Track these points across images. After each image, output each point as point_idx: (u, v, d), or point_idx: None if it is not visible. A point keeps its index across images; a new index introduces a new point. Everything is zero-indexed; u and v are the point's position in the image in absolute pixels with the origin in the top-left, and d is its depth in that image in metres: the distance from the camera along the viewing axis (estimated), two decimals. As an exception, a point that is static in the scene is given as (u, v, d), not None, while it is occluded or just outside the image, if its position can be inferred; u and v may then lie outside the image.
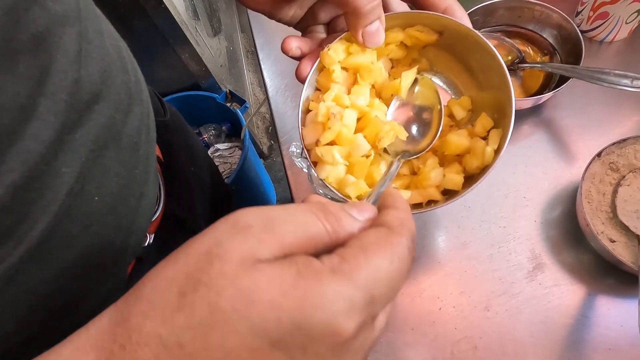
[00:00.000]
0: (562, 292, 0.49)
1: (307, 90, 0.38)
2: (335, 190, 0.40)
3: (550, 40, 0.59)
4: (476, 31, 0.36)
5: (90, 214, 0.28)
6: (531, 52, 0.60)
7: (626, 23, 0.56)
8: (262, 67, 0.71)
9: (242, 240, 0.18)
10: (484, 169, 0.37)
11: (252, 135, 1.48)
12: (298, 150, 0.50)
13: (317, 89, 0.40)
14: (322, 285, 0.17)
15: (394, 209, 0.22)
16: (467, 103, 0.41)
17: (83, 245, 0.28)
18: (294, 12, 0.36)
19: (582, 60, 0.53)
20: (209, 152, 1.41)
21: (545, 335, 0.47)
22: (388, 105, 0.40)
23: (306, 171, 0.49)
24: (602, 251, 0.46)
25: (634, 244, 0.47)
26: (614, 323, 0.47)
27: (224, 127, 1.45)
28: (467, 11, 0.57)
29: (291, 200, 0.59)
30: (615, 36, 0.59)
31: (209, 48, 1.41)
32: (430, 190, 0.38)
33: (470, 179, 0.38)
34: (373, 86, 0.40)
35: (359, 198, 0.37)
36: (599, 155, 0.49)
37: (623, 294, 0.49)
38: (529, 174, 0.56)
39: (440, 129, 0.38)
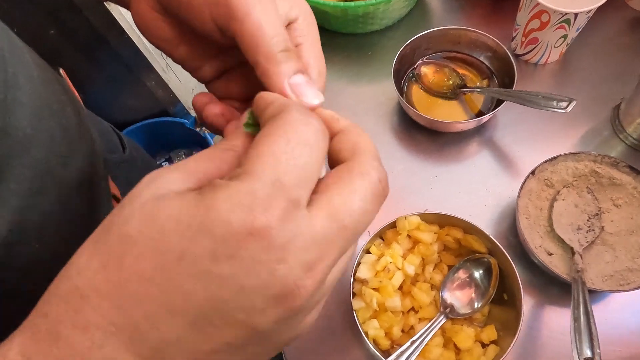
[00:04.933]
0: (507, 305, 0.51)
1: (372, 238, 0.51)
2: None
3: (487, 63, 0.62)
4: (513, 265, 0.47)
5: (30, 264, 0.28)
6: (471, 75, 0.63)
7: (555, 47, 0.60)
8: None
9: (151, 182, 0.18)
10: None
11: (222, 159, 1.48)
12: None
13: (381, 237, 0.53)
14: (217, 191, 0.16)
15: (272, 103, 0.20)
16: (485, 311, 0.50)
17: (24, 298, 0.29)
18: (206, 71, 0.29)
19: (515, 83, 0.57)
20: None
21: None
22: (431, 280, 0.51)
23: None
24: (540, 264, 0.49)
25: (569, 255, 0.49)
26: (556, 332, 0.50)
27: (194, 152, 1.46)
28: (410, 39, 0.61)
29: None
30: (547, 59, 0.63)
31: (176, 74, 1.42)
32: None
33: None
34: (423, 259, 0.51)
35: (375, 340, 0.47)
36: (532, 172, 0.52)
37: (564, 304, 0.51)
38: (474, 191, 0.58)
39: (482, 306, 0.48)
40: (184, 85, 1.46)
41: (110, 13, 1.05)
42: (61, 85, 0.37)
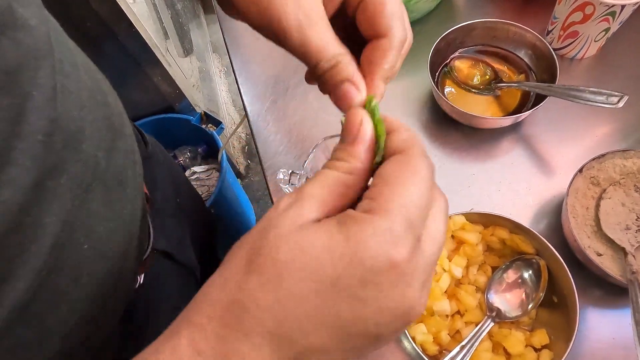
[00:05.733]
0: (554, 307, 0.50)
1: None
2: None
3: (526, 59, 0.60)
4: (565, 266, 0.45)
5: (79, 265, 0.26)
6: (507, 70, 0.62)
7: (595, 41, 0.58)
8: (242, 90, 0.70)
9: (287, 212, 0.21)
10: None
11: (228, 156, 1.45)
12: (286, 177, 0.49)
13: None
14: (361, 225, 0.19)
15: (397, 132, 0.23)
16: (533, 314, 0.48)
17: (73, 300, 0.26)
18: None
19: (557, 78, 0.55)
20: (186, 175, 1.38)
21: (541, 353, 0.47)
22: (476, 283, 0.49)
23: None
24: (591, 265, 0.47)
25: (620, 256, 0.48)
26: (605, 336, 0.48)
27: (199, 149, 1.42)
28: (445, 32, 0.59)
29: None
30: (585, 53, 0.61)
31: (181, 69, 1.39)
32: None
33: None
34: (467, 260, 0.49)
35: (422, 345, 0.45)
36: (580, 170, 0.50)
37: (612, 306, 0.49)
38: (513, 190, 0.56)
39: (531, 308, 0.46)
40: (187, 80, 1.43)
41: (118, 5, 1.02)
42: (101, 74, 0.34)
